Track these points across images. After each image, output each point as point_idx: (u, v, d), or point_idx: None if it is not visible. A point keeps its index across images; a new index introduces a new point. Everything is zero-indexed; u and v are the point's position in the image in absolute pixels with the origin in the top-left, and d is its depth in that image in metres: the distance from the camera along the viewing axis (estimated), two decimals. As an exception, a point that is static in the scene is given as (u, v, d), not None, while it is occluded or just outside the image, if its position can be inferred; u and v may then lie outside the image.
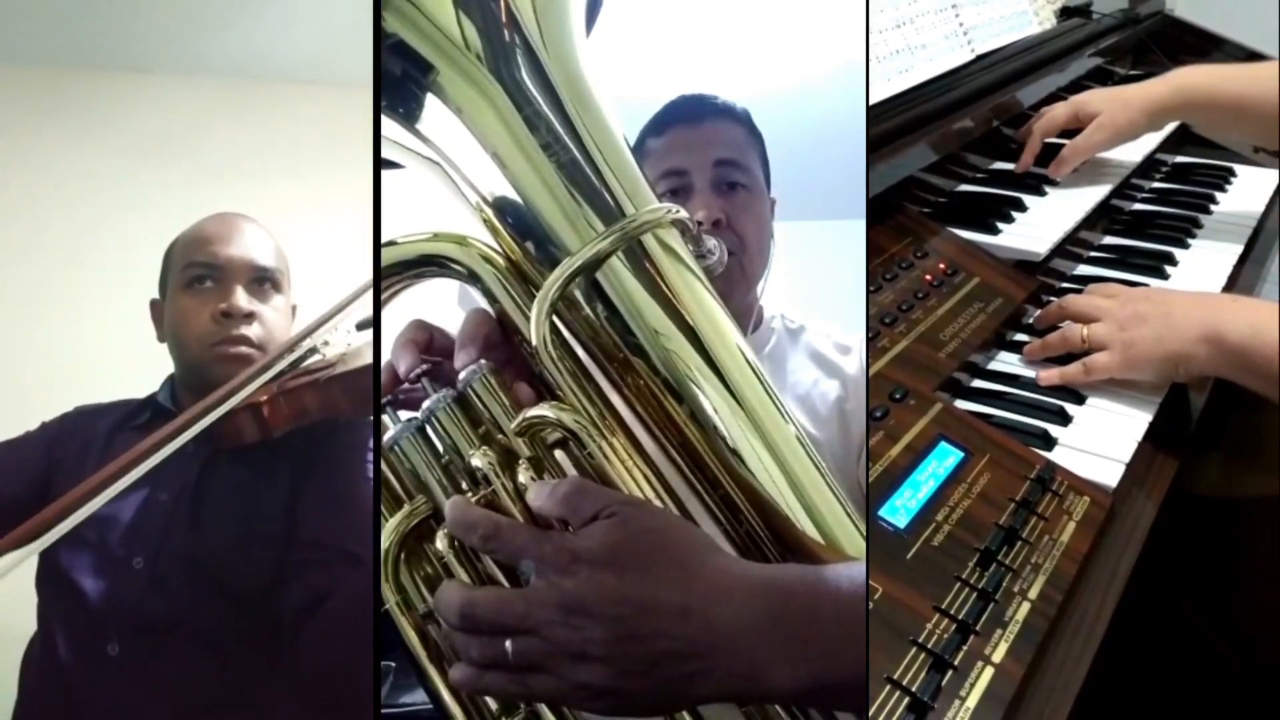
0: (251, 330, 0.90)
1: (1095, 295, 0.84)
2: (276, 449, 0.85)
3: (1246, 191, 1.22)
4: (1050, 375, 0.80)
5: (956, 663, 0.53)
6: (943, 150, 1.02)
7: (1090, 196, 1.08)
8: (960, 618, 0.55)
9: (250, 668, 0.84)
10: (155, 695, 0.82)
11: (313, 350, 0.85)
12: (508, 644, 0.42)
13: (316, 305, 0.90)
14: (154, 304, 0.98)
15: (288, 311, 0.96)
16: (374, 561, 0.49)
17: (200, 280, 0.91)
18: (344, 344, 0.87)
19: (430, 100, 0.51)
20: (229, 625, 0.83)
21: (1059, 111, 1.10)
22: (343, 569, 0.78)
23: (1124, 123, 1.06)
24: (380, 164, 0.56)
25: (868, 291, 0.83)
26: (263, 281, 0.93)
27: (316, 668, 0.77)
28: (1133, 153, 1.16)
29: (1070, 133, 1.09)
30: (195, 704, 0.82)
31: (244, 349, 0.89)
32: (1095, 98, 1.09)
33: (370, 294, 0.80)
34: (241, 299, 0.90)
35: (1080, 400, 0.79)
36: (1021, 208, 1.03)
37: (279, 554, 0.83)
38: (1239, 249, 1.07)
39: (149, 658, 0.83)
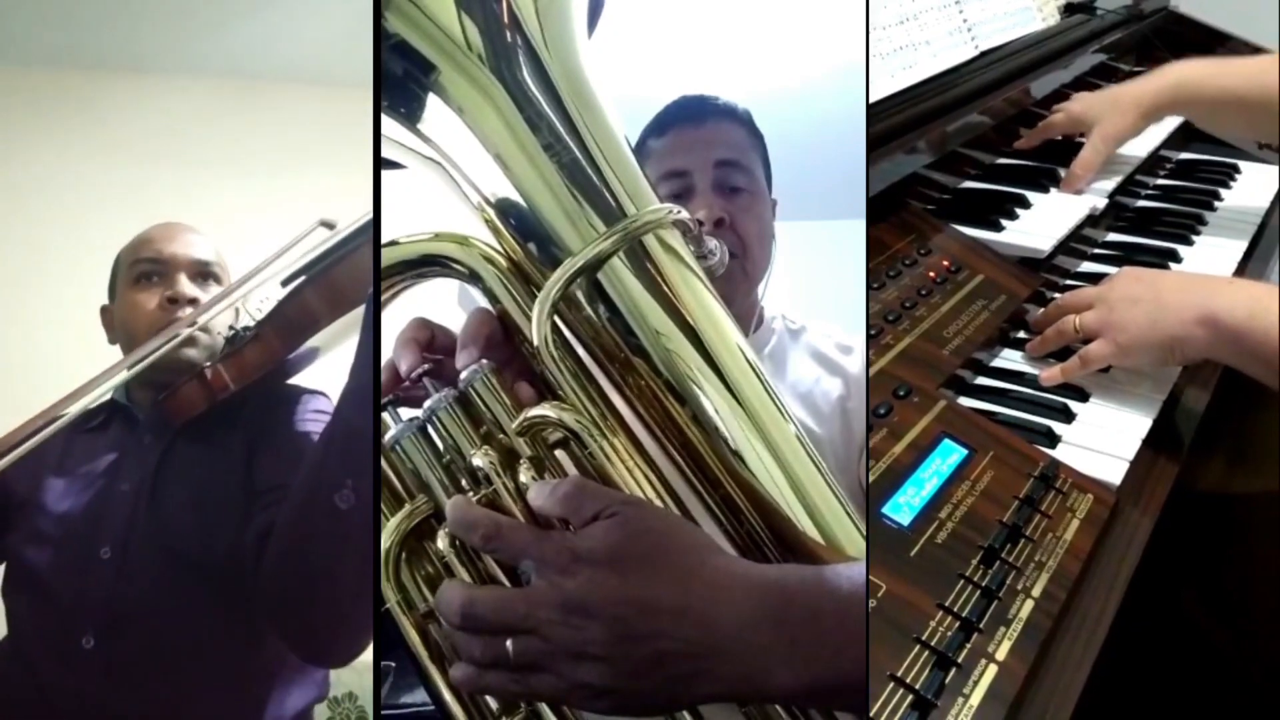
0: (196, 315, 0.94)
1: (1091, 287, 0.84)
2: (230, 421, 0.89)
3: (1251, 188, 1.22)
4: (1052, 374, 0.80)
5: (960, 660, 0.53)
6: (946, 147, 1.02)
7: (1094, 193, 1.07)
8: (964, 615, 0.55)
9: (229, 641, 0.84)
10: (134, 683, 0.82)
11: (249, 328, 0.90)
12: (509, 643, 0.42)
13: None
14: (104, 310, 1.03)
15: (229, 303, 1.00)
16: (375, 560, 0.49)
17: (147, 276, 0.97)
18: (266, 309, 0.91)
19: (432, 100, 0.51)
20: (205, 602, 0.84)
21: (1056, 121, 1.12)
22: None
23: (1123, 126, 1.07)
24: (380, 164, 0.56)
25: (869, 289, 0.83)
26: (205, 276, 0.99)
27: (278, 590, 0.73)
28: (1137, 149, 1.15)
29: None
30: (176, 687, 0.83)
31: (189, 330, 0.92)
32: (1090, 105, 1.10)
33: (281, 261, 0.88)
34: (185, 287, 0.96)
35: (1084, 398, 0.79)
36: (1025, 204, 1.03)
37: (244, 518, 0.84)
38: (1243, 245, 1.07)
39: (125, 646, 0.83)
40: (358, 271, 0.80)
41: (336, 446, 0.68)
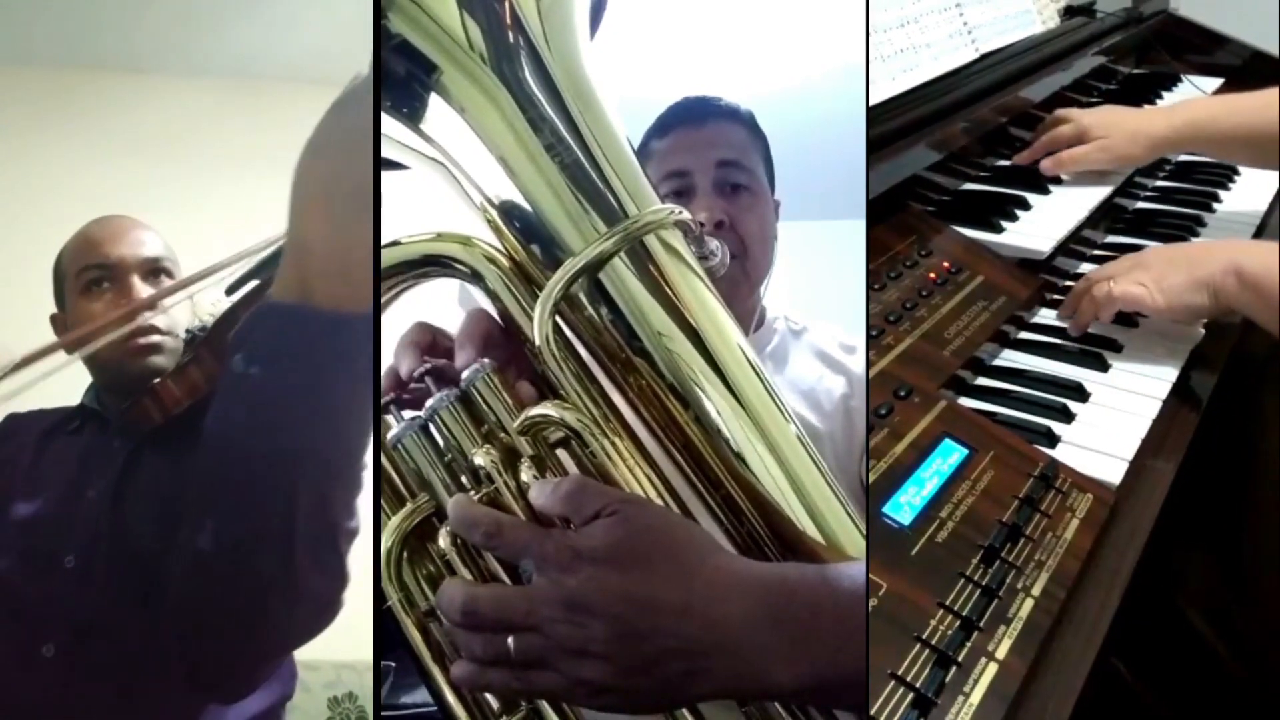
0: (158, 319, 0.92)
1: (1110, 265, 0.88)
2: (192, 428, 0.85)
3: (1249, 190, 1.22)
4: (1084, 318, 0.84)
5: (960, 659, 0.53)
6: (946, 149, 1.02)
7: (1094, 195, 1.08)
8: (964, 614, 0.55)
9: (164, 649, 0.83)
10: (95, 693, 0.81)
11: (204, 327, 0.88)
12: (510, 641, 0.43)
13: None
14: (54, 318, 1.00)
15: (185, 299, 0.96)
16: (375, 560, 0.49)
17: (97, 282, 0.93)
18: (216, 312, 0.90)
19: (434, 100, 0.51)
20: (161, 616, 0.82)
21: (1065, 131, 1.11)
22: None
23: (1124, 154, 1.09)
24: (379, 164, 0.56)
25: (870, 290, 0.83)
26: (156, 273, 0.95)
27: (176, 621, 0.69)
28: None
29: None
30: (137, 696, 0.82)
31: (155, 337, 0.91)
32: (1103, 123, 1.10)
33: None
34: (140, 290, 0.92)
35: (1084, 398, 0.79)
36: (1025, 206, 1.03)
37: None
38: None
39: (87, 656, 0.82)
40: None
41: (197, 487, 0.62)
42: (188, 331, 0.91)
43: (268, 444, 0.55)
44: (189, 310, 0.96)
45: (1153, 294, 0.81)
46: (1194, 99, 1.13)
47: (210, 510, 0.60)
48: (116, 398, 0.93)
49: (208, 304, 0.90)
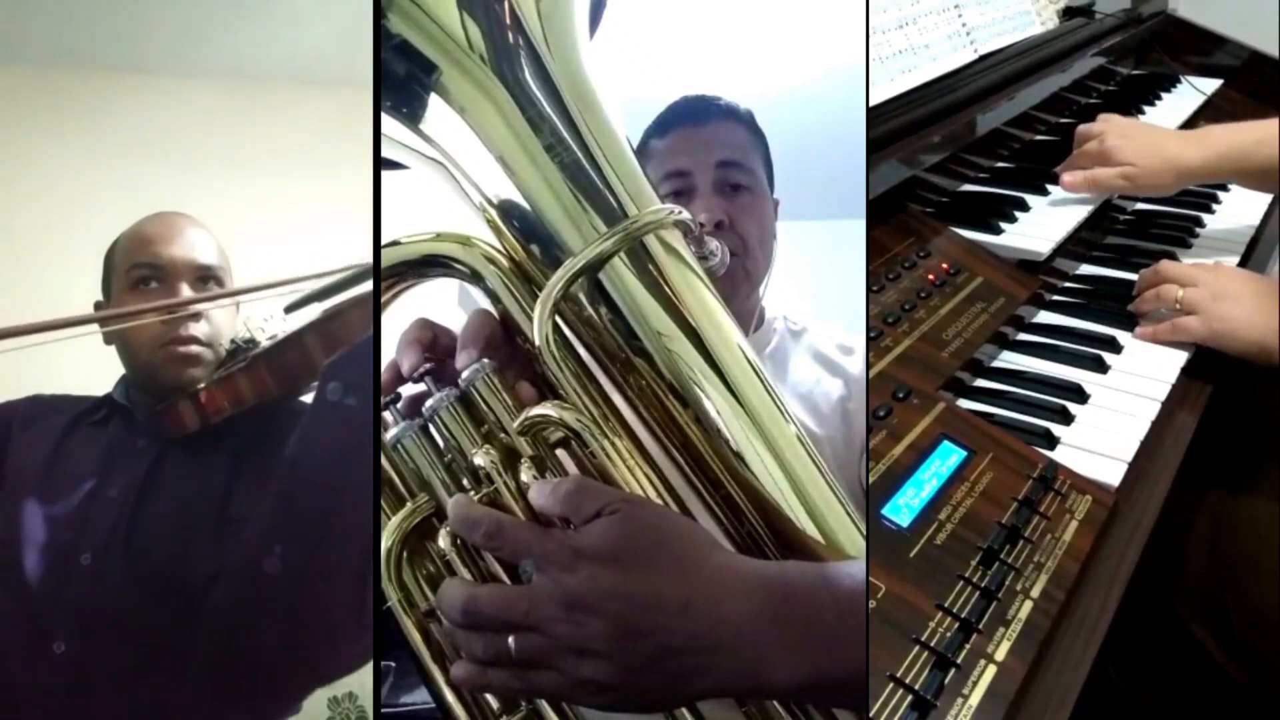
0: (199, 328, 0.90)
1: (1196, 264, 0.90)
2: (220, 437, 0.85)
3: (1248, 191, 1.22)
4: (1144, 331, 0.87)
5: (959, 661, 0.53)
6: (944, 151, 1.02)
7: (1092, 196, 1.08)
8: (963, 616, 0.55)
9: (198, 659, 0.83)
10: (101, 693, 0.81)
11: (252, 340, 0.87)
12: (510, 640, 0.43)
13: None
14: (97, 305, 0.99)
15: (233, 310, 0.95)
16: (375, 560, 0.49)
17: (145, 281, 0.91)
18: (279, 329, 0.88)
19: (434, 100, 0.52)
20: (176, 619, 0.82)
21: (1090, 149, 1.07)
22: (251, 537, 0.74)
23: (1153, 183, 1.05)
24: (380, 164, 0.56)
25: (869, 291, 0.83)
26: (206, 280, 0.93)
27: (220, 637, 0.71)
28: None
29: None
30: (143, 700, 0.82)
31: (194, 348, 0.89)
32: (1130, 146, 1.04)
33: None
34: (188, 295, 0.90)
35: (1083, 399, 0.79)
36: (1024, 207, 1.03)
37: (214, 541, 0.82)
38: (1241, 248, 1.07)
39: (96, 655, 0.82)
40: (361, 323, 0.76)
41: (271, 510, 0.64)
42: (232, 342, 0.89)
43: (356, 477, 0.55)
44: (232, 321, 0.93)
45: (1207, 336, 0.84)
46: (1222, 126, 1.08)
47: (283, 535, 0.60)
48: (147, 397, 0.92)
49: (260, 318, 0.88)
